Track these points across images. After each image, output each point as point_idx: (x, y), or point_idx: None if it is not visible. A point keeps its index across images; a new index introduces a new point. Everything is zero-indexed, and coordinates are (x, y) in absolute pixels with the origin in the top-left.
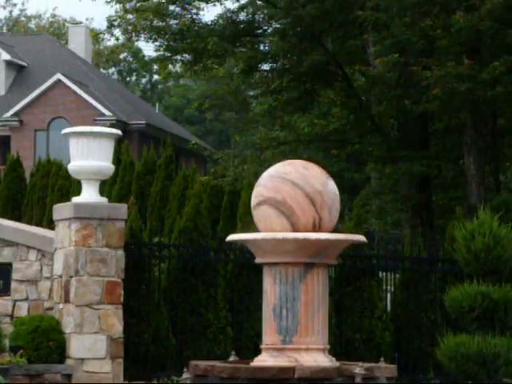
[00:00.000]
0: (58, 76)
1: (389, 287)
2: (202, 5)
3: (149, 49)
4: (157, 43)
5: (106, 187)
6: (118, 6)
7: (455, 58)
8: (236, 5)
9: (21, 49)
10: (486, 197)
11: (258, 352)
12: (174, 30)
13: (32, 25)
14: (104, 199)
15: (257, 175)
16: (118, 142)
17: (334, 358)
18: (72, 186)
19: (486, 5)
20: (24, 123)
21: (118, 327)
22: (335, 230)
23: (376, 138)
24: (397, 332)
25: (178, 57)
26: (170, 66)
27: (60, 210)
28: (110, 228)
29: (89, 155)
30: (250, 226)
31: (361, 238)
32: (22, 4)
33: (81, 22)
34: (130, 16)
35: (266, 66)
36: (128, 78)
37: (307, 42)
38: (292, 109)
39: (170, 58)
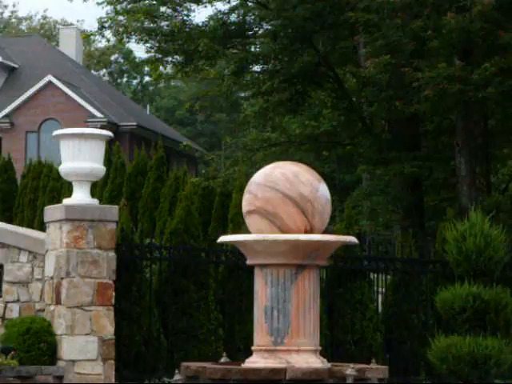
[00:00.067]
0: (49, 78)
1: (380, 288)
2: (193, 6)
3: (140, 50)
4: (148, 45)
5: (97, 189)
6: (109, 7)
7: (446, 60)
8: (227, 6)
9: (12, 50)
10: (477, 198)
11: (249, 353)
12: (164, 31)
13: (23, 26)
14: (95, 201)
15: (248, 177)
16: (109, 143)
17: (325, 360)
18: (63, 188)
19: (477, 6)
20: (15, 125)
21: (109, 329)
22: (326, 232)
23: (367, 140)
24: (388, 333)
25: (169, 58)
26: (161, 67)
27: (51, 212)
28: (101, 229)
29: (80, 157)
30: (241, 228)
31: (352, 239)
32: (13, 6)
33: (72, 24)
34: (121, 17)
35: (257, 68)
36: (119, 80)
37: (298, 43)
38: (283, 110)
39: (161, 59)
